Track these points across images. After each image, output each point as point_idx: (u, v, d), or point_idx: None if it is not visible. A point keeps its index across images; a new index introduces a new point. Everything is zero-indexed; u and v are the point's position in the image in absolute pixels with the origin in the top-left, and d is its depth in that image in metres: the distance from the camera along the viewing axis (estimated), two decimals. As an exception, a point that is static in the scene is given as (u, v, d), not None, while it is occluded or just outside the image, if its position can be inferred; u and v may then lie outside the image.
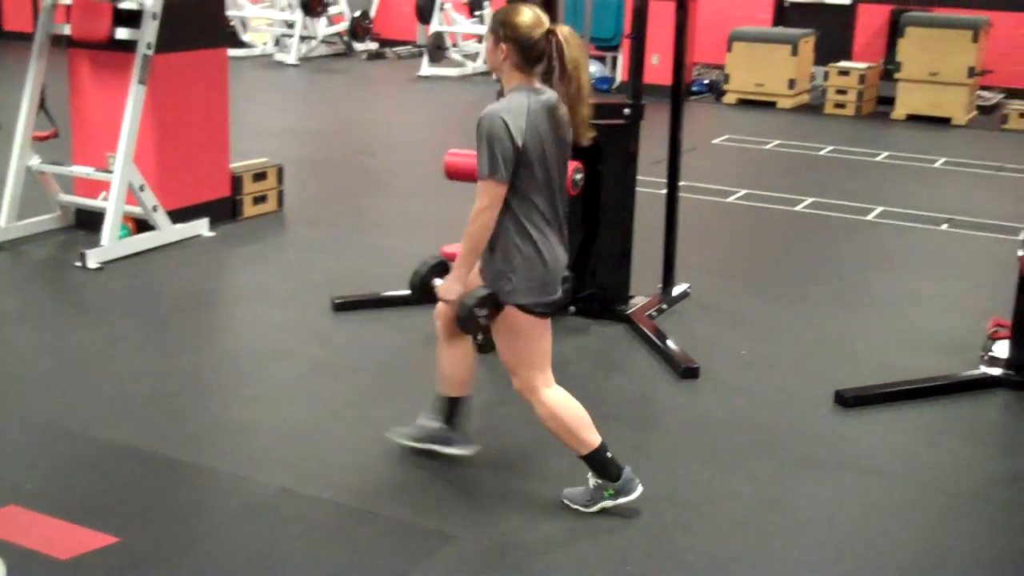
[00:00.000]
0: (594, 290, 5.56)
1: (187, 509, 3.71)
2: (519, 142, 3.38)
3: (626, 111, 5.41)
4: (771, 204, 8.06)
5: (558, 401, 3.65)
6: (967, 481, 4.05)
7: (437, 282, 3.66)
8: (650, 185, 6.88)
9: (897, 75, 11.94)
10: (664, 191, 6.03)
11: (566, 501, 3.73)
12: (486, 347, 3.65)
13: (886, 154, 10.03)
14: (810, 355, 5.20)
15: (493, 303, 3.52)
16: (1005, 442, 4.46)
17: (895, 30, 12.47)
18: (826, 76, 12.51)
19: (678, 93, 5.81)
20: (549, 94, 3.50)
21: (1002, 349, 4.97)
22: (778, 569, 3.44)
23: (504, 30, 3.45)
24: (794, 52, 12.33)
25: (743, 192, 8.35)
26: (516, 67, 3.48)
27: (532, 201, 3.47)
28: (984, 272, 6.49)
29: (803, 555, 3.51)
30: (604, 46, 12.64)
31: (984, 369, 4.93)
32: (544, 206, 3.50)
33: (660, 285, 5.91)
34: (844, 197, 8.28)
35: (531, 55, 3.46)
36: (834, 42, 13.53)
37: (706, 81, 13.41)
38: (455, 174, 5.32)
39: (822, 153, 10.08)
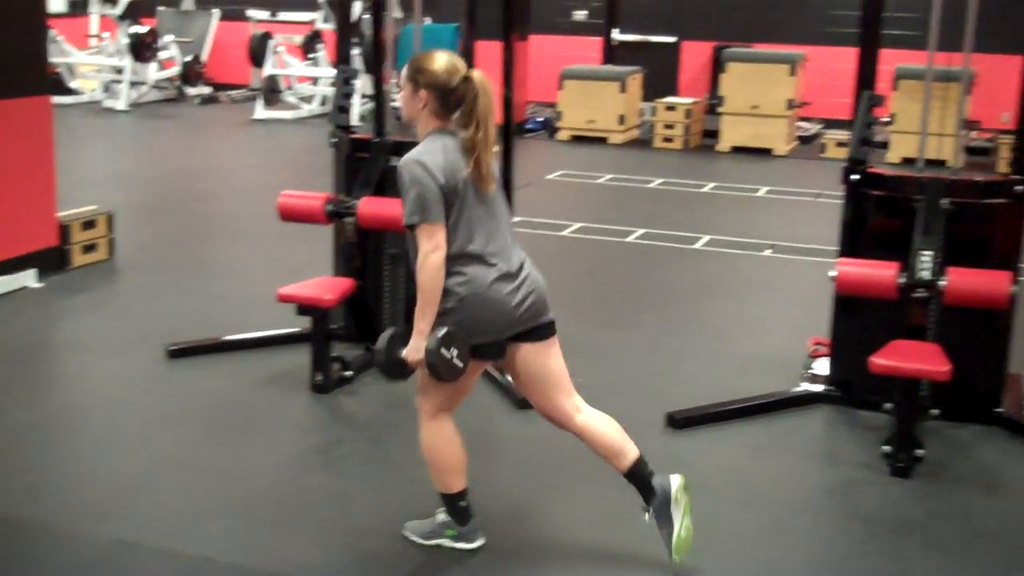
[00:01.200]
0: (432, 326, 5.62)
1: (20, 566, 3.62)
2: (441, 180, 3.36)
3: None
4: (604, 236, 8.29)
5: (442, 437, 3.61)
6: (791, 492, 4.24)
7: (402, 352, 3.47)
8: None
9: (721, 109, 12.43)
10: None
11: (407, 533, 3.76)
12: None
13: (712, 185, 10.41)
14: (643, 380, 5.37)
15: (459, 338, 3.38)
16: (826, 454, 4.68)
17: (717, 66, 12.99)
18: (654, 111, 12.92)
19: (508, 131, 5.93)
20: (464, 134, 3.49)
21: (822, 366, 5.22)
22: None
23: (423, 77, 3.43)
24: (623, 89, 12.70)
25: (577, 225, 8.55)
26: (434, 114, 3.47)
27: (462, 239, 3.42)
28: (805, 294, 6.79)
29: (637, 571, 3.62)
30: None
31: (806, 386, 5.16)
32: (476, 241, 3.44)
33: (497, 319, 6.00)
34: (673, 227, 8.56)
35: (450, 101, 3.44)
36: (661, 79, 14.01)
37: (540, 119, 13.70)
38: (289, 215, 5.35)
39: (652, 186, 10.40)
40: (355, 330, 5.58)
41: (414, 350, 3.40)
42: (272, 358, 5.47)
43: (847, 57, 5.58)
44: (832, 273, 4.61)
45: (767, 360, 5.64)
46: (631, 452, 3.61)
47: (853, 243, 4.96)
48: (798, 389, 5.14)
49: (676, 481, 3.59)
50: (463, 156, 3.43)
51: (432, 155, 3.39)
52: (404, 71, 3.50)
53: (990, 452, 4.65)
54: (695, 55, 14.70)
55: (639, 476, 3.60)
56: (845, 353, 4.94)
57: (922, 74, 5.05)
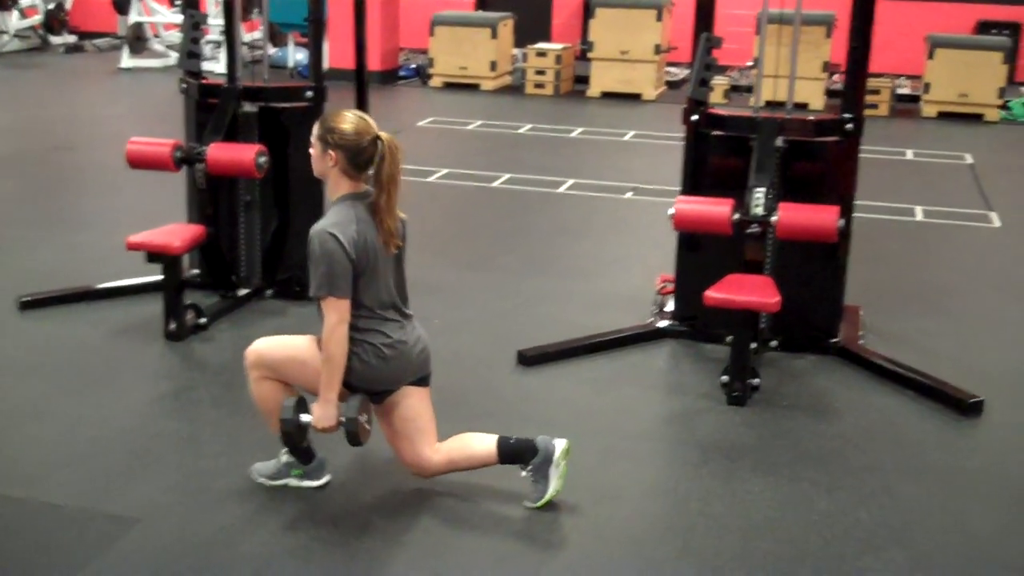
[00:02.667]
0: (291, 273, 5.65)
1: None
2: (352, 256, 3.43)
3: (308, 94, 5.50)
4: (470, 182, 8.36)
5: (271, 386, 3.65)
6: (631, 423, 4.40)
7: (306, 418, 3.56)
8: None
9: (591, 55, 12.54)
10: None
11: (254, 474, 3.82)
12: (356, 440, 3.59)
13: (580, 130, 10.54)
14: (498, 319, 5.48)
15: (368, 402, 3.59)
16: (669, 386, 4.86)
17: (588, 12, 13.07)
18: (525, 58, 12.98)
19: (362, 77, 5.94)
20: (372, 194, 3.56)
21: (670, 303, 5.39)
22: (463, 514, 3.65)
23: (333, 137, 3.48)
24: (494, 35, 12.73)
25: (444, 171, 8.61)
26: (344, 173, 3.52)
27: (363, 305, 3.52)
28: (662, 234, 6.85)
29: (479, 505, 3.74)
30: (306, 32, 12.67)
31: (654, 322, 5.33)
32: (375, 304, 3.55)
33: (357, 264, 6.05)
34: (539, 172, 8.68)
35: (360, 161, 3.51)
36: (533, 24, 14.05)
37: (413, 66, 13.66)
38: (137, 162, 5.30)
39: (521, 132, 10.49)
40: (210, 277, 5.57)
41: (324, 418, 3.51)
42: (128, 308, 5.44)
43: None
44: (670, 211, 4.76)
45: (621, 298, 5.79)
46: (491, 446, 3.70)
47: (695, 182, 5.13)
48: (646, 325, 5.30)
49: (560, 445, 3.69)
50: (374, 222, 3.51)
51: (345, 228, 3.44)
52: (314, 130, 3.56)
53: (824, 380, 4.87)
54: (566, 1, 14.77)
55: (509, 452, 3.69)
56: (689, 289, 5.10)
57: (785, 18, 5.19)
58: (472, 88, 12.77)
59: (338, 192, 3.57)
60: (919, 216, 7.83)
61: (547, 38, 14.16)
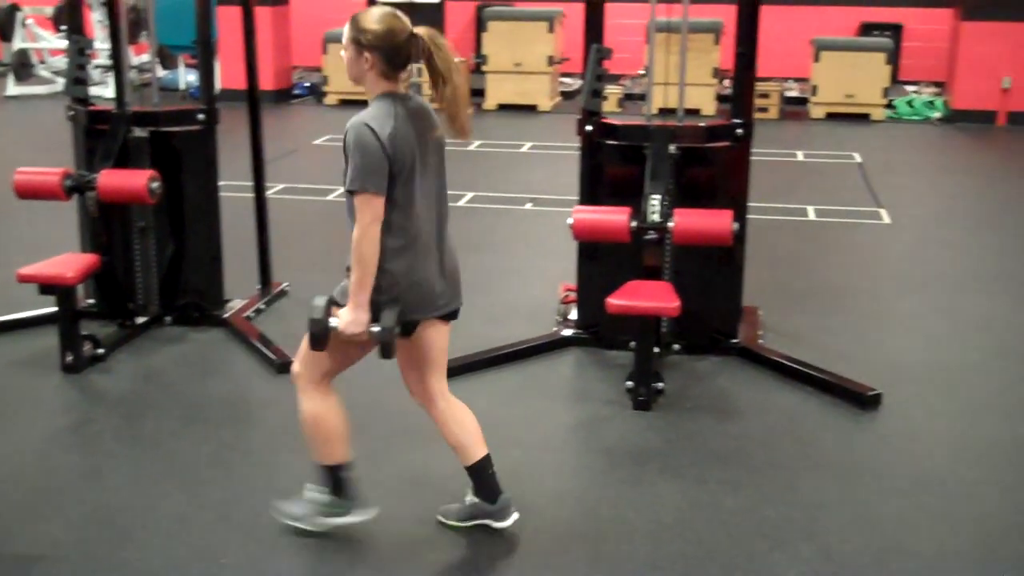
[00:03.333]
0: (189, 299, 5.58)
1: None
2: (389, 151, 3.22)
3: (199, 116, 5.43)
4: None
5: (327, 405, 3.53)
6: (538, 433, 4.42)
7: (334, 322, 3.33)
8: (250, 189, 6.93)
9: (485, 68, 12.59)
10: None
11: (279, 515, 3.67)
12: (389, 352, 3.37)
13: (478, 143, 10.56)
14: (402, 337, 5.45)
15: (399, 317, 3.34)
16: (575, 394, 4.89)
17: (480, 25, 13.14)
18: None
19: (254, 97, 5.89)
20: (417, 99, 3.38)
21: (573, 311, 5.43)
22: (366, 536, 3.63)
23: (367, 37, 3.26)
24: (388, 51, 12.69)
25: (342, 190, 8.54)
26: (382, 75, 3.32)
27: (401, 215, 3.29)
28: (562, 244, 6.91)
29: (386, 521, 3.72)
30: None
31: (558, 331, 5.36)
32: (414, 219, 3.32)
33: (258, 286, 5.99)
34: (438, 186, 8.66)
35: (397, 61, 3.30)
36: (427, 39, 14.03)
37: (307, 84, 13.57)
38: (26, 192, 5.19)
39: (419, 146, 10.46)
40: (106, 307, 5.46)
41: (353, 323, 3.30)
42: (22, 341, 5.32)
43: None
44: (569, 220, 4.80)
45: (525, 309, 5.82)
46: (480, 451, 3.60)
47: (592, 191, 5.18)
48: (550, 334, 5.33)
49: (508, 522, 3.62)
50: (417, 123, 3.31)
51: (382, 121, 3.24)
52: (346, 31, 3.33)
53: (726, 381, 4.95)
54: (459, 15, 14.81)
55: (480, 473, 3.60)
56: (591, 297, 5.15)
57: (673, 26, 5.26)
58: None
59: (375, 92, 3.35)
60: (812, 216, 8.00)
61: (441, 52, 14.17)
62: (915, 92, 13.23)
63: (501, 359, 5.08)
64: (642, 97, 11.56)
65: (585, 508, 3.85)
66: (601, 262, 5.20)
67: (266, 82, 12.69)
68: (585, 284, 5.28)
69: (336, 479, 3.58)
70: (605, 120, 5.12)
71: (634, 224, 4.70)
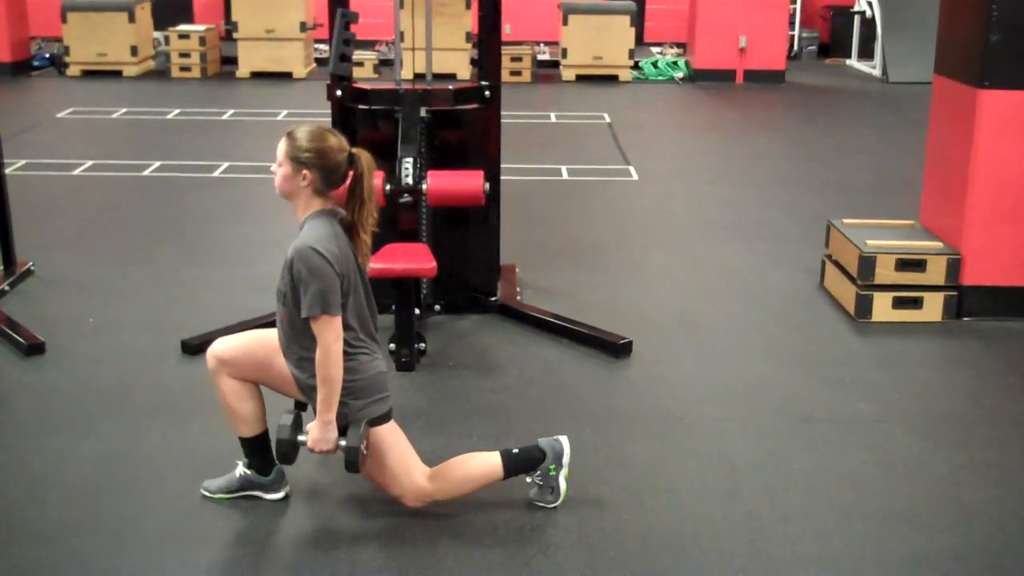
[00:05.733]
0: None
1: None
2: (339, 270, 3.28)
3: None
4: (119, 172, 8.06)
5: (448, 480, 3.52)
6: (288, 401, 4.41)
7: (302, 438, 3.41)
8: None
9: (236, 35, 12.32)
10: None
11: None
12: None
13: (232, 112, 10.37)
14: (158, 312, 5.33)
15: (366, 428, 3.40)
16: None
17: (229, -9, 12.82)
18: (168, 41, 12.59)
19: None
20: (342, 211, 3.42)
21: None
22: (147, 508, 3.57)
23: (310, 156, 3.31)
24: (131, 19, 12.27)
25: (89, 163, 8.25)
26: (317, 193, 3.36)
27: (354, 322, 3.39)
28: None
29: (157, 495, 3.67)
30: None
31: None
32: (364, 324, 3.45)
33: (0, 267, 5.73)
34: (191, 157, 8.48)
35: (335, 179, 3.37)
36: (173, 7, 13.63)
37: (47, 55, 12.95)
38: None
39: (169, 117, 10.19)
40: None
41: (323, 441, 3.36)
42: None
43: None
44: (389, 187, 4.78)
45: (285, 278, 5.76)
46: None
47: (347, 157, 5.16)
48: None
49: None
50: (349, 239, 3.39)
51: (327, 244, 3.28)
52: (282, 147, 3.33)
53: (487, 338, 5.08)
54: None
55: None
56: (350, 262, 5.15)
57: None
58: (114, 75, 12.26)
59: (309, 210, 3.39)
60: (565, 175, 8.24)
61: (189, 20, 13.78)
62: (659, 53, 13.75)
63: (261, 328, 4.99)
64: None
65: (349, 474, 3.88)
66: (359, 227, 5.21)
67: (2, 53, 12.08)
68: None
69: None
70: (356, 85, 5.12)
71: (388, 187, 4.74)
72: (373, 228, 3.46)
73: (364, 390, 3.42)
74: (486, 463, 3.56)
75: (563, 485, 3.60)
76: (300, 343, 3.39)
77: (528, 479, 3.62)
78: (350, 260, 3.38)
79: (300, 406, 3.60)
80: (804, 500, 3.70)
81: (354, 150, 3.42)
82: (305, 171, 3.33)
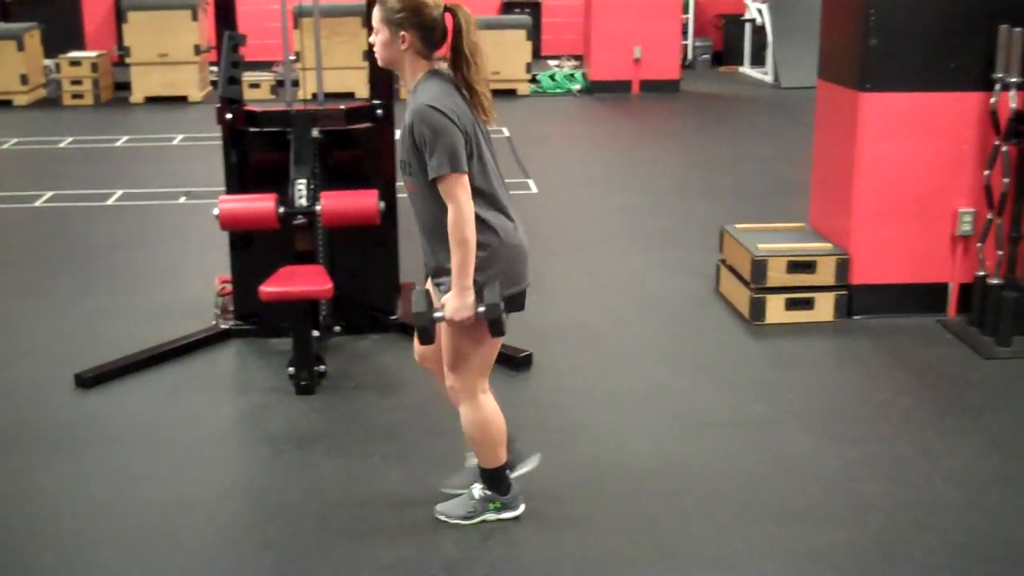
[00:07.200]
0: None
1: None
2: (460, 126, 3.12)
3: None
4: (9, 204, 7.89)
5: (493, 409, 3.47)
6: (202, 429, 4.36)
7: (438, 314, 3.24)
8: None
9: (128, 60, 12.15)
10: None
11: (443, 517, 3.59)
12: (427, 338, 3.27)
13: (126, 138, 10.22)
14: (52, 345, 5.23)
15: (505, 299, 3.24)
16: (238, 386, 4.86)
17: (120, 16, 12.65)
18: (59, 68, 12.36)
19: None
20: (449, 72, 3.26)
21: (232, 303, 5.38)
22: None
23: (405, 16, 3.15)
24: (20, 47, 12.02)
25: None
26: (420, 55, 3.20)
27: (483, 186, 3.21)
28: (219, 236, 6.84)
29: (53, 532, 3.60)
30: None
31: (218, 324, 5.30)
32: (494, 186, 3.26)
33: None
34: (85, 186, 8.34)
35: (435, 38, 3.20)
36: (63, 33, 13.39)
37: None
38: None
39: (62, 146, 10.01)
40: None
41: (462, 308, 3.19)
42: None
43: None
44: (215, 211, 4.76)
45: (183, 305, 5.70)
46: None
47: (240, 180, 5.14)
48: (209, 328, 5.26)
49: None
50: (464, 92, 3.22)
51: (445, 100, 3.14)
52: (376, 13, 3.18)
53: (388, 357, 5.07)
54: (96, 6, 14.20)
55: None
56: (247, 287, 5.09)
57: (322, 11, 5.27)
58: (4, 105, 12.00)
59: (417, 74, 3.24)
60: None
61: (80, 46, 13.54)
62: (557, 66, 13.87)
63: (159, 358, 4.96)
64: (295, 83, 11.52)
65: (252, 498, 3.86)
66: (255, 251, 5.18)
67: None
68: (240, 274, 5.24)
69: (498, 478, 3.56)
70: (247, 108, 5.09)
71: (281, 210, 4.72)
72: (487, 82, 3.29)
73: (500, 264, 3.28)
74: (503, 450, 3.55)
75: (482, 519, 3.59)
76: (432, 214, 3.23)
77: (475, 489, 3.60)
78: (469, 115, 3.23)
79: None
80: (704, 502, 3.76)
81: (449, 3, 3.24)
82: (403, 32, 3.20)
